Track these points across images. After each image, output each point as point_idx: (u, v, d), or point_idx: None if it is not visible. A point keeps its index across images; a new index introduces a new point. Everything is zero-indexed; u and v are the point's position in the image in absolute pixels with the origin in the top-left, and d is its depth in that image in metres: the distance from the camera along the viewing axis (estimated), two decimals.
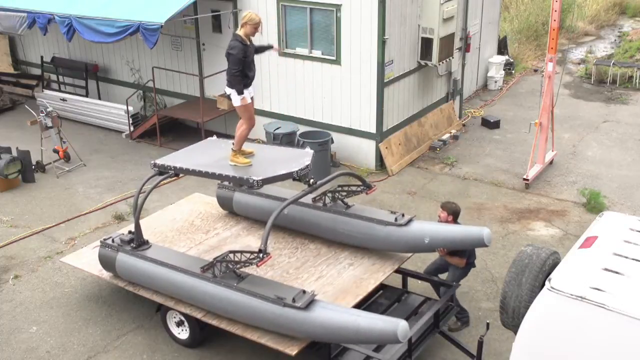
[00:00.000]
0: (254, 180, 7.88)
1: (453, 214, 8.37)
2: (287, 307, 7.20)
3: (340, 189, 9.00)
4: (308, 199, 8.90)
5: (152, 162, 8.72)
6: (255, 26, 8.14)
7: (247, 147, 8.74)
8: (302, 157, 8.44)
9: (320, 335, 7.17)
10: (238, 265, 7.60)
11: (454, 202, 8.59)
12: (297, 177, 8.12)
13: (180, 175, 8.78)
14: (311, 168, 8.26)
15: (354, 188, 8.94)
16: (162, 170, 8.60)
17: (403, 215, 8.53)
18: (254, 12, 8.29)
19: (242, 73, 8.16)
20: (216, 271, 7.75)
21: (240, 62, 8.08)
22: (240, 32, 8.16)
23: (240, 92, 8.21)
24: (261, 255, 7.35)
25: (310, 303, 7.19)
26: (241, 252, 7.63)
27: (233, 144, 8.64)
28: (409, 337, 6.86)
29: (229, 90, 8.34)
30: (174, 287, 8.04)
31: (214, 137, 9.68)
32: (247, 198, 9.66)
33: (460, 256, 8.29)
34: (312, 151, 8.66)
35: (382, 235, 8.45)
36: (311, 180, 8.23)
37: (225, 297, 7.60)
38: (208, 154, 8.93)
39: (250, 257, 7.48)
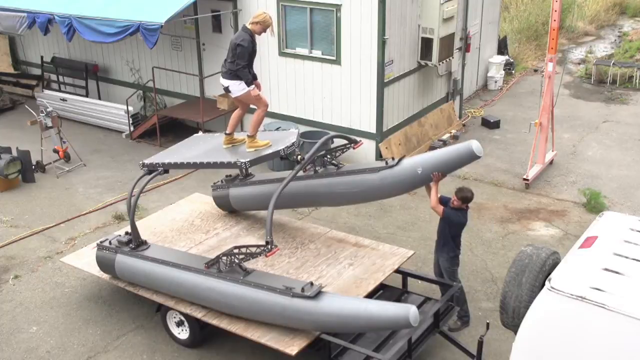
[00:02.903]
0: (241, 162, 7.89)
1: (462, 199, 8.26)
2: (296, 298, 7.17)
3: (326, 153, 8.91)
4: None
5: (141, 162, 8.76)
6: (265, 28, 8.16)
7: (238, 135, 8.76)
8: (288, 137, 8.49)
9: (331, 324, 7.15)
10: (246, 258, 7.58)
11: (469, 189, 8.45)
12: (284, 155, 8.13)
13: (170, 172, 8.80)
14: (297, 145, 8.28)
15: (341, 148, 8.87)
16: (151, 169, 8.61)
17: (393, 158, 8.43)
18: (268, 14, 8.25)
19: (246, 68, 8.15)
20: (221, 266, 7.74)
21: (248, 56, 8.06)
22: (249, 27, 8.14)
23: (250, 83, 8.17)
24: (269, 246, 7.32)
25: (319, 293, 7.18)
26: (247, 246, 7.62)
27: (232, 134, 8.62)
28: (418, 322, 6.85)
29: (226, 82, 8.26)
30: (177, 285, 8.03)
31: (200, 133, 9.73)
32: (244, 190, 9.59)
33: (445, 208, 8.19)
34: (297, 130, 8.71)
35: (378, 182, 8.29)
36: (299, 157, 8.22)
37: (231, 292, 7.58)
38: (195, 148, 8.99)
39: (257, 250, 7.44)
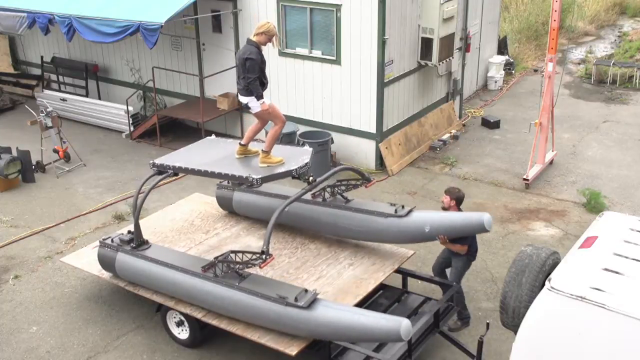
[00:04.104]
0: (253, 178, 7.88)
1: (456, 199, 8.34)
2: (290, 307, 7.19)
3: (339, 183, 8.99)
4: (307, 195, 8.89)
5: (151, 161, 8.72)
6: (270, 38, 8.09)
7: (252, 146, 8.74)
8: (301, 155, 8.45)
9: (323, 333, 7.17)
10: (240, 267, 7.60)
11: (458, 188, 8.55)
12: (296, 175, 8.12)
13: (180, 174, 8.78)
14: (310, 166, 8.26)
15: (352, 182, 8.93)
16: (161, 170, 8.60)
17: (403, 207, 8.50)
18: (272, 23, 8.21)
19: (258, 80, 8.08)
20: (217, 271, 7.75)
21: (258, 68, 8.03)
22: (254, 39, 8.10)
23: (260, 97, 8.11)
24: (264, 256, 7.35)
25: (313, 302, 7.18)
26: (243, 252, 7.62)
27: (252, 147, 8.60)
28: (411, 335, 6.87)
29: (245, 99, 8.21)
30: (175, 286, 8.04)
31: (213, 137, 9.68)
32: (247, 197, 9.65)
33: (462, 243, 8.22)
34: (311, 149, 8.67)
35: (383, 228, 8.41)
36: (310, 178, 8.23)
37: (227, 297, 7.59)
38: (207, 153, 8.93)
39: (253, 258, 7.48)
